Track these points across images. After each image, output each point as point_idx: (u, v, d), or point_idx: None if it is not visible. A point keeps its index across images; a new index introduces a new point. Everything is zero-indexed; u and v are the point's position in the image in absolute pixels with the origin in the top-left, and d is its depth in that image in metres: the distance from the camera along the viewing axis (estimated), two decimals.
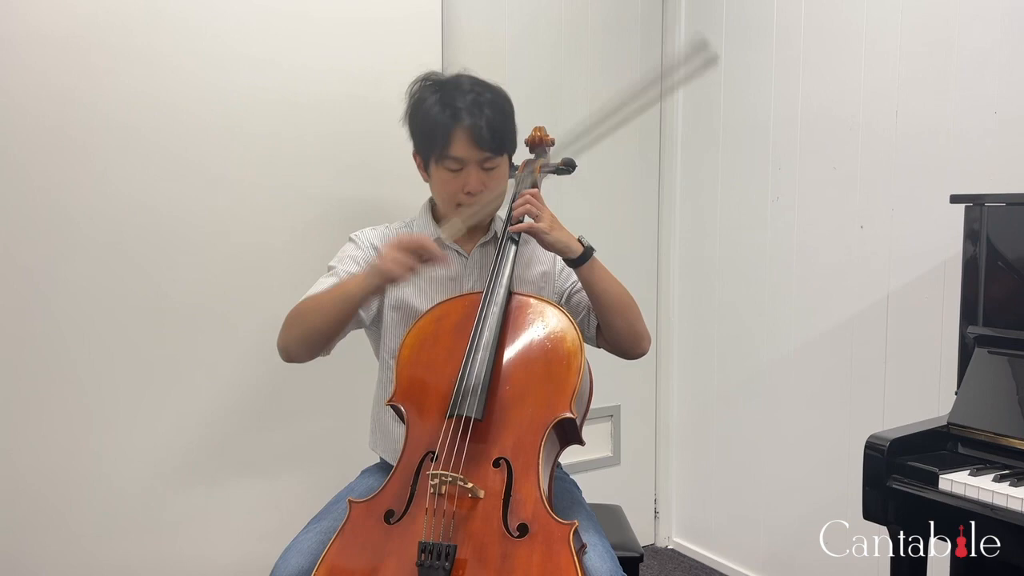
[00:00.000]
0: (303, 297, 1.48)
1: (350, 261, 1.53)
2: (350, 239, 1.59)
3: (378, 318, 1.58)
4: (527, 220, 1.48)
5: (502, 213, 1.61)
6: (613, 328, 1.53)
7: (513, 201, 1.52)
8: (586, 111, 2.55)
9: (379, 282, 1.35)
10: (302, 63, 2.01)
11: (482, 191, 1.47)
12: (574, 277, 1.56)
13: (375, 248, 1.55)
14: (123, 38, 1.81)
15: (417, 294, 1.55)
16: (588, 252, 1.49)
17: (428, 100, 1.46)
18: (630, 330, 1.54)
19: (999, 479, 1.38)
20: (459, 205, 1.49)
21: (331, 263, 1.55)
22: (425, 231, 1.57)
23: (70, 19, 1.76)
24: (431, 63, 2.15)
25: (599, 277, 1.51)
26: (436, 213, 1.61)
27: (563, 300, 1.62)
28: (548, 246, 1.47)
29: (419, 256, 1.33)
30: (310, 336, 1.42)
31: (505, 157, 1.51)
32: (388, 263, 1.32)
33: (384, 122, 2.08)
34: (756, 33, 2.48)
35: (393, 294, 1.55)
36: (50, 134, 1.76)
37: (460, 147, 1.43)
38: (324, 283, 1.50)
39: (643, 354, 1.60)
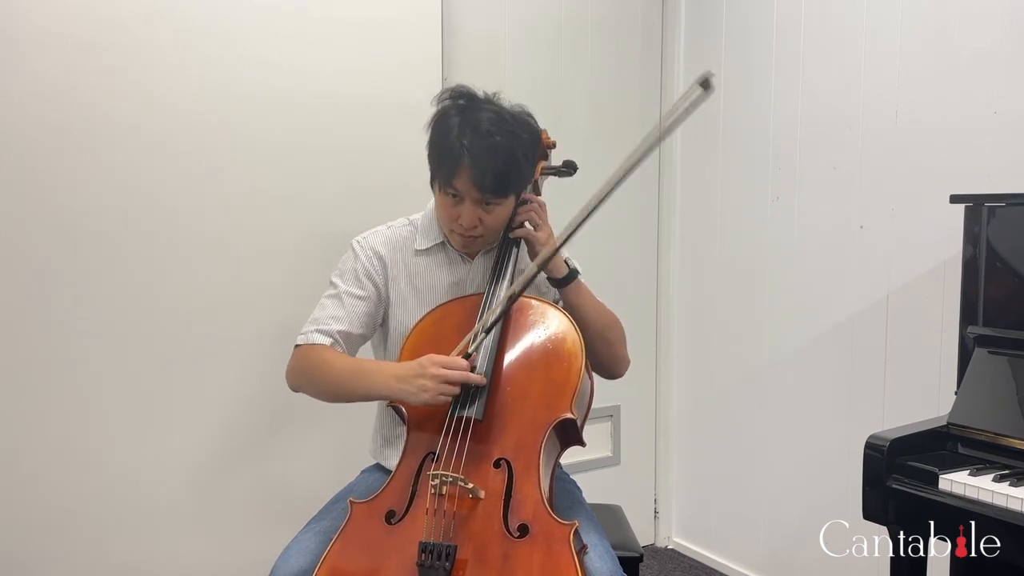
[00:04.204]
0: (312, 328, 1.48)
1: (352, 278, 1.53)
2: (351, 247, 1.57)
3: (384, 327, 1.59)
4: (527, 226, 1.50)
5: None
6: (592, 349, 1.50)
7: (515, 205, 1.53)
8: (586, 112, 2.58)
9: (414, 402, 1.34)
10: (302, 63, 2.01)
11: (476, 226, 1.45)
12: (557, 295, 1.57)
13: (378, 256, 1.54)
14: (123, 38, 1.81)
15: (420, 301, 1.55)
16: (572, 274, 1.50)
17: (449, 121, 1.42)
18: (609, 353, 1.54)
19: (999, 479, 1.38)
20: (452, 231, 1.49)
21: (333, 277, 1.55)
22: (429, 231, 1.57)
23: (70, 19, 1.76)
24: (431, 63, 2.16)
25: (583, 300, 1.51)
26: None
27: None
28: (538, 259, 1.48)
29: (460, 387, 1.32)
30: (323, 396, 1.48)
31: (509, 198, 1.47)
32: (435, 396, 1.30)
33: (384, 121, 2.11)
34: (756, 33, 2.48)
35: (396, 303, 1.55)
36: (51, 134, 1.76)
37: (461, 182, 1.41)
38: (327, 306, 1.51)
39: (619, 376, 1.60)
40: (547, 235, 1.49)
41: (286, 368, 1.52)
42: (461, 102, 1.44)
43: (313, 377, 1.47)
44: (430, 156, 1.47)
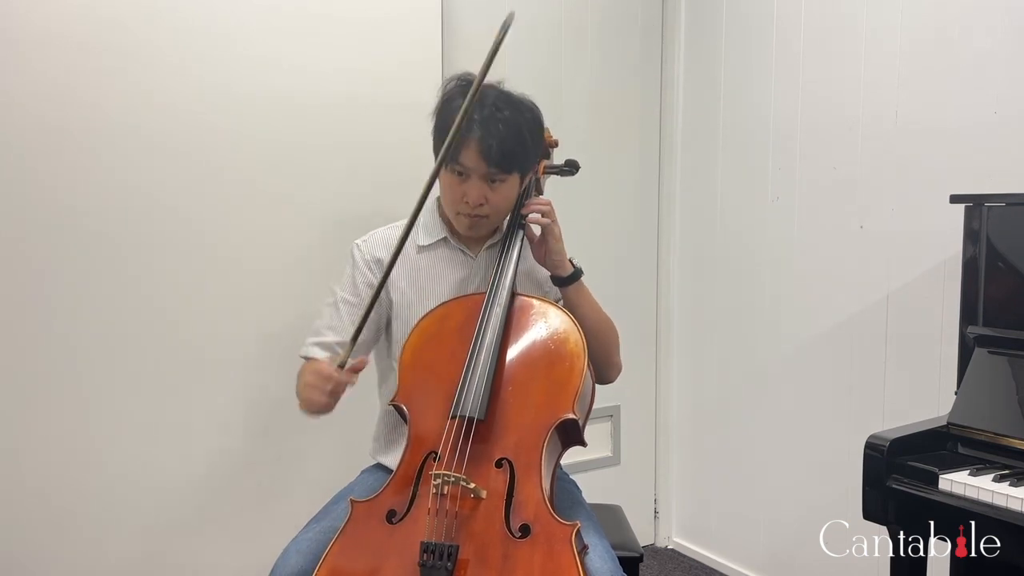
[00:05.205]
0: (311, 341, 1.52)
1: (349, 285, 1.55)
2: (351, 252, 1.58)
3: (387, 329, 1.59)
4: (539, 217, 1.50)
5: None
6: (588, 351, 1.50)
7: (519, 202, 1.52)
8: (586, 112, 2.58)
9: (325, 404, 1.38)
10: (302, 63, 2.01)
11: (483, 204, 1.47)
12: (558, 294, 1.58)
13: (376, 262, 1.55)
14: (123, 38, 1.81)
15: (423, 299, 1.55)
16: (577, 273, 1.52)
17: (454, 102, 1.44)
18: (604, 357, 1.55)
19: (999, 479, 1.38)
20: (459, 213, 1.50)
21: (333, 285, 1.57)
22: (432, 230, 1.57)
23: (70, 19, 1.76)
24: (431, 63, 2.16)
25: (583, 300, 1.52)
26: (443, 212, 1.61)
27: None
28: (548, 253, 1.49)
29: (335, 390, 1.36)
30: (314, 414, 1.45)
31: (514, 175, 1.48)
32: (320, 399, 1.36)
33: (384, 121, 2.11)
34: (756, 33, 2.48)
35: (399, 304, 1.55)
36: (51, 134, 1.76)
37: (468, 157, 1.42)
38: (324, 314, 1.54)
39: (609, 382, 1.60)
40: (560, 231, 1.50)
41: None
42: (463, 86, 1.47)
43: (298, 396, 1.47)
44: (435, 139, 1.49)
